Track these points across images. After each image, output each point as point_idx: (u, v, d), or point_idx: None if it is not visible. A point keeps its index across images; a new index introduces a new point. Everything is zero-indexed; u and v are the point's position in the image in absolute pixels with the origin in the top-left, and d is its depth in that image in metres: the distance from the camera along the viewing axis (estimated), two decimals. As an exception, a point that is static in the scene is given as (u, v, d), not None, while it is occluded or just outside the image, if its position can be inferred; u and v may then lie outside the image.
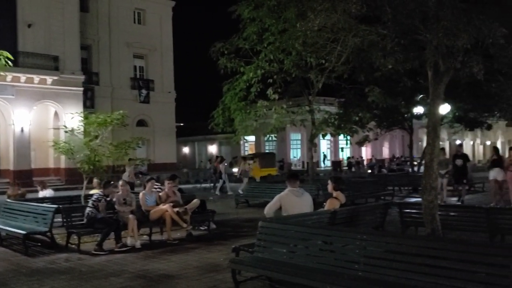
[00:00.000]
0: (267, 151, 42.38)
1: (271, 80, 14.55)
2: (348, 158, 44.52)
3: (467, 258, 4.33)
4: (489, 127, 29.65)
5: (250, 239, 7.04)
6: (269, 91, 14.37)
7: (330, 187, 7.82)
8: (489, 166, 14.63)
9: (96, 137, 11.88)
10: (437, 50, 6.59)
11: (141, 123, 37.03)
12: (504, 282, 3.99)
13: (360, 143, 27.75)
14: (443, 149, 15.87)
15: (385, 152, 49.57)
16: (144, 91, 36.85)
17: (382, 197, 15.46)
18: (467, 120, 27.45)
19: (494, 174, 14.15)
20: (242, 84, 14.27)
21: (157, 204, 9.85)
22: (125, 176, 21.03)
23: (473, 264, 4.28)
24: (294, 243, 5.83)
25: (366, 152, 47.40)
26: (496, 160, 14.46)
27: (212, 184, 24.31)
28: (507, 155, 14.35)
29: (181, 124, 44.69)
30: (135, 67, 37.41)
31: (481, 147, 59.47)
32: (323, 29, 7.23)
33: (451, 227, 8.01)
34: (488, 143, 59.09)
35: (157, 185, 11.16)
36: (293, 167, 39.21)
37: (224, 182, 21.53)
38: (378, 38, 7.05)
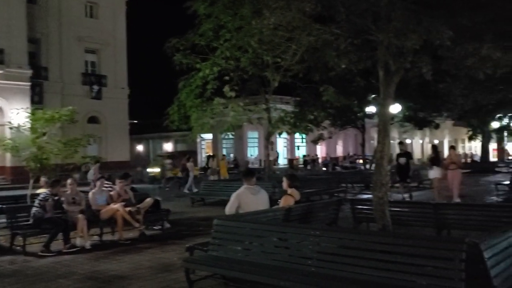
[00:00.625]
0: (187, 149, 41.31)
1: (227, 78, 14.50)
2: (304, 156, 45.15)
3: (415, 252, 4.47)
4: (437, 126, 30.90)
5: (205, 238, 6.99)
6: (226, 88, 14.32)
7: (285, 184, 7.89)
8: (429, 165, 15.01)
9: (44, 134, 11.46)
10: (388, 50, 6.77)
11: (92, 120, 36.04)
12: (449, 275, 4.15)
13: (315, 141, 28.18)
14: (401, 143, 16.34)
15: (339, 150, 50.58)
16: (96, 87, 35.87)
17: (336, 194, 15.75)
18: (417, 119, 28.49)
19: (434, 172, 14.67)
20: (198, 81, 14.13)
21: (108, 204, 9.62)
22: (90, 175, 20.53)
23: (421, 258, 4.42)
24: (249, 241, 5.84)
25: (321, 150, 48.17)
26: (435, 158, 14.92)
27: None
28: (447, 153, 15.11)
29: (135, 121, 43.83)
30: (86, 62, 36.33)
31: (429, 145, 61.77)
32: (278, 28, 7.29)
33: (401, 222, 8.26)
34: (436, 141, 61.42)
35: (108, 183, 10.90)
36: (250, 165, 39.31)
37: (191, 181, 21.46)
38: (331, 38, 7.17)
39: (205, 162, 31.27)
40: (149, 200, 10.13)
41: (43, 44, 33.46)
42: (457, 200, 13.71)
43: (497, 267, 4.27)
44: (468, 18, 6.66)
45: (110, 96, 36.48)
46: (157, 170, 27.34)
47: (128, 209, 9.43)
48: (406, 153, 15.21)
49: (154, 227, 10.57)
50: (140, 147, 54.66)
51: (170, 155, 29.16)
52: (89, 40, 35.75)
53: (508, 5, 6.79)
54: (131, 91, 38.62)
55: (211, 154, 25.84)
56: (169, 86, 17.20)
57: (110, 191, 10.15)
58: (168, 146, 52.35)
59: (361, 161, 30.14)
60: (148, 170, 27.16)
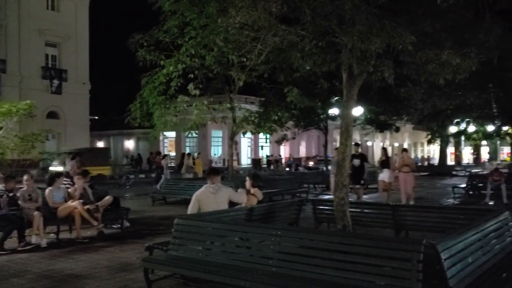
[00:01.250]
0: (100, 146, 38.79)
1: (192, 75, 14.35)
2: (267, 156, 45.34)
3: (374, 253, 4.53)
4: (397, 130, 31.67)
5: (166, 237, 6.89)
6: (190, 86, 14.15)
7: (248, 184, 7.90)
8: (379, 168, 14.73)
9: (0, 128, 11.02)
10: (351, 53, 6.85)
11: (52, 115, 35.02)
12: (406, 275, 4.22)
13: (279, 142, 28.34)
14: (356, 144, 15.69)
15: (302, 151, 51.07)
16: (56, 81, 34.86)
17: (298, 194, 15.87)
18: (378, 122, 29.10)
19: (383, 175, 14.55)
20: (162, 78, 13.90)
21: (66, 201, 9.34)
22: (67, 170, 19.87)
23: (379, 259, 4.48)
24: (210, 240, 5.78)
25: (284, 151, 48.49)
26: (385, 161, 14.73)
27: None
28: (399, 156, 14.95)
29: (96, 118, 42.80)
30: (47, 55, 35.25)
31: (389, 148, 63.24)
32: (244, 27, 7.25)
33: (361, 223, 8.39)
34: (396, 144, 63.02)
35: (66, 180, 10.61)
36: (213, 164, 39.12)
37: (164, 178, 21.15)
38: (297, 39, 7.19)
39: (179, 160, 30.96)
40: (108, 198, 9.92)
41: (1, 36, 32.25)
42: (411, 202, 13.88)
43: (453, 268, 4.37)
44: (430, 25, 6.82)
45: (71, 91, 35.55)
46: (60, 168, 23.82)
47: (86, 207, 9.19)
48: (361, 155, 14.60)
49: (113, 226, 10.36)
50: (101, 144, 53.50)
51: (75, 153, 23.24)
52: (50, 33, 34.71)
53: (467, 13, 7.00)
54: (93, 86, 37.79)
55: (186, 152, 25.65)
56: (132, 83, 16.87)
57: (68, 188, 9.87)
58: (129, 144, 51.49)
59: (325, 162, 30.39)
60: (51, 168, 23.01)
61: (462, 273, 4.48)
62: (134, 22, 66.28)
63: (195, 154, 27.41)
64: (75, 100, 35.77)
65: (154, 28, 13.94)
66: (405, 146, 64.22)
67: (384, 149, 15.60)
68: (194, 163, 24.20)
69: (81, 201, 9.21)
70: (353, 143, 17.15)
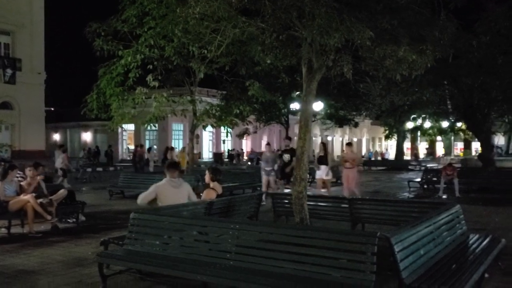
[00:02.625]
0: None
1: (151, 67, 14.07)
2: (229, 150, 45.25)
3: (330, 246, 4.58)
4: (356, 125, 32.30)
5: (123, 232, 6.75)
6: (149, 77, 13.85)
7: (207, 177, 7.83)
8: (316, 164, 13.43)
9: None
10: (311, 47, 6.89)
11: (4, 105, 33.62)
12: (361, 267, 4.29)
13: (240, 136, 28.35)
14: (323, 143, 14.64)
15: (264, 145, 51.33)
16: (9, 71, 33.45)
17: (259, 188, 15.89)
18: (338, 117, 29.56)
19: (320, 172, 13.31)
20: (120, 69, 13.54)
21: (18, 194, 9.00)
22: (58, 163, 19.30)
23: (335, 251, 4.53)
24: (168, 235, 5.70)
25: (246, 145, 48.55)
26: (323, 157, 13.37)
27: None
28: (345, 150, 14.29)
29: (52, 109, 41.44)
30: (-1, 44, 33.82)
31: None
32: (204, 18, 7.16)
33: (319, 216, 8.49)
34: (355, 139, 64.25)
35: (19, 173, 10.21)
36: (150, 158, 38.60)
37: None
38: (257, 32, 7.16)
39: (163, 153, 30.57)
40: (62, 192, 9.62)
41: (-51, 21, 30.71)
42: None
43: (406, 260, 4.47)
44: (388, 21, 6.93)
45: (25, 81, 34.22)
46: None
47: (39, 200, 8.89)
48: (292, 150, 13.39)
49: (68, 220, 10.07)
50: (57, 136, 51.98)
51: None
52: (3, 21, 33.22)
53: (423, 10, 7.15)
54: (49, 76, 36.54)
55: (170, 146, 25.62)
56: (89, 73, 16.42)
57: (21, 181, 9.51)
58: (87, 136, 50.24)
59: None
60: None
61: (415, 265, 4.59)
62: (92, 10, 64.56)
63: (180, 148, 27.43)
64: (30, 91, 34.49)
65: (112, 17, 13.57)
66: (363, 141, 65.69)
67: (323, 144, 14.31)
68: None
69: (33, 194, 8.89)
70: (284, 137, 16.26)
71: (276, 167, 13.85)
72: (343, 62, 7.34)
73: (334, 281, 4.33)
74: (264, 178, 13.90)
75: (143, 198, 6.98)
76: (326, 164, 13.27)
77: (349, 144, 14.85)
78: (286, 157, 13.51)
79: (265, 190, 13.17)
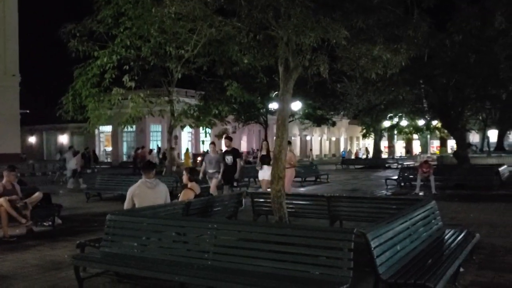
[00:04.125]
0: None
1: (127, 67, 13.94)
2: (207, 151, 45.06)
3: (308, 243, 4.59)
4: (334, 124, 32.56)
5: (100, 235, 6.64)
6: (125, 78, 13.74)
7: (185, 178, 7.80)
8: (259, 164, 12.62)
9: None
10: (287, 46, 6.91)
11: (-22, 108, 32.86)
12: (338, 264, 4.31)
13: (219, 136, 28.27)
14: (290, 142, 12.74)
15: (243, 145, 51.19)
16: (-18, 72, 32.71)
17: (239, 188, 15.87)
18: (316, 117, 29.74)
19: (263, 173, 12.38)
20: (96, 70, 13.38)
21: (-9, 198, 8.79)
22: (72, 165, 18.95)
23: (314, 249, 4.54)
24: (146, 236, 5.64)
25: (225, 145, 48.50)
26: (265, 156, 12.41)
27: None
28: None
29: (27, 111, 40.54)
30: (-29, 44, 32.99)
31: (327, 142, 64.86)
32: (180, 17, 7.12)
33: (297, 214, 8.52)
34: (334, 138, 64.78)
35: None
36: (152, 159, 38.44)
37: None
38: (234, 31, 7.16)
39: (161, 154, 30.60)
40: (38, 195, 9.43)
41: None
42: None
43: (382, 255, 4.51)
44: (363, 20, 7.00)
45: (-1, 83, 33.51)
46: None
47: (14, 203, 8.70)
48: (233, 151, 12.40)
49: (44, 223, 9.89)
50: (32, 139, 51.03)
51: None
52: (-26, 21, 32.51)
53: (397, 10, 7.25)
54: (23, 78, 35.80)
55: (172, 146, 25.85)
56: (64, 74, 16.13)
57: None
58: (63, 138, 49.45)
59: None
60: None
61: (391, 260, 4.63)
62: (67, 11, 63.57)
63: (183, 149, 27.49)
64: (4, 93, 33.72)
65: (87, 17, 13.41)
66: (341, 140, 66.23)
67: (266, 142, 13.14)
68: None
69: (7, 197, 8.69)
70: (224, 136, 13.44)
71: (221, 168, 12.11)
72: (320, 62, 7.40)
73: (313, 278, 4.34)
74: (214, 182, 12.15)
75: (126, 205, 6.90)
76: (269, 164, 11.52)
77: (288, 143, 13.24)
78: (229, 159, 12.12)
79: (212, 191, 11.70)
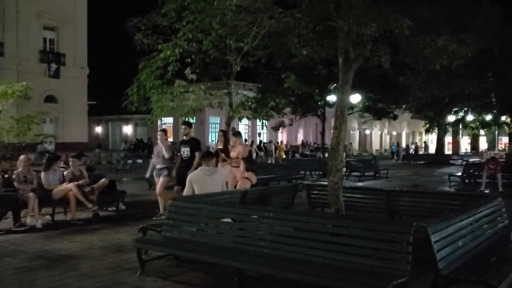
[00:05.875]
0: None
1: (189, 60, 14.30)
2: (264, 143, 45.27)
3: (366, 235, 4.54)
4: (395, 117, 31.58)
5: (161, 221, 6.91)
6: (187, 71, 14.11)
7: (242, 167, 7.92)
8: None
9: None
10: (348, 37, 6.82)
11: (50, 99, 34.90)
12: (396, 257, 4.24)
13: (276, 128, 28.31)
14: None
15: (300, 138, 51.07)
16: (54, 65, 34.69)
17: (294, 180, 15.89)
18: (376, 110, 29.03)
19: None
20: (159, 62, 13.84)
21: (61, 183, 9.35)
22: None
23: (371, 241, 4.49)
24: (204, 222, 5.80)
25: (282, 138, 48.46)
26: (223, 150, 10.10)
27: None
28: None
29: (94, 102, 42.61)
30: (45, 39, 35.01)
31: (387, 137, 63.20)
32: (241, 10, 7.21)
33: (354, 208, 8.40)
34: (395, 133, 62.98)
35: (63, 166, 10.59)
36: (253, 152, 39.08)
37: None
38: (293, 23, 7.16)
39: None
40: (104, 181, 9.91)
41: (-1, 19, 32.02)
42: None
43: (442, 250, 4.39)
44: (427, 10, 6.79)
45: (69, 75, 35.39)
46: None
47: (82, 188, 9.21)
48: (192, 140, 9.59)
49: (109, 209, 10.38)
50: (99, 129, 53.44)
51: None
52: (48, 17, 34.43)
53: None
54: (91, 71, 37.62)
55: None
56: (129, 67, 16.78)
57: (64, 171, 9.87)
58: (128, 129, 51.38)
59: (322, 149, 30.41)
60: None
61: (452, 256, 4.50)
62: (133, 5, 65.70)
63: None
64: (73, 85, 35.63)
65: (152, 11, 13.86)
66: (403, 135, 64.26)
67: (223, 132, 10.97)
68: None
69: (75, 183, 9.21)
70: (183, 121, 10.71)
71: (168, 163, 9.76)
72: (381, 53, 7.26)
73: (370, 271, 4.30)
74: (161, 180, 9.64)
75: (186, 191, 7.12)
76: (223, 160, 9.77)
77: (236, 133, 10.71)
78: (185, 151, 9.36)
79: (159, 193, 9.62)
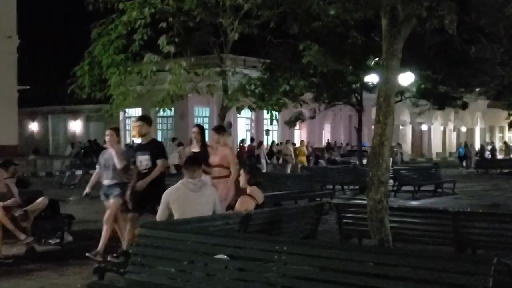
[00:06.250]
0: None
1: (165, 25, 14.30)
2: (276, 144, 45.38)
3: (426, 277, 4.54)
4: (465, 106, 31.46)
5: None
6: (162, 40, 14.10)
7: (243, 180, 7.91)
8: None
9: None
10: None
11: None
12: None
13: (291, 124, 28.25)
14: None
15: (326, 137, 51.01)
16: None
17: (318, 198, 15.90)
18: (436, 95, 28.89)
19: None
20: (121, 28, 13.78)
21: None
22: (174, 159, 20.07)
23: (434, 285, 4.50)
24: (188, 259, 5.82)
25: (300, 137, 48.52)
26: (199, 154, 9.73)
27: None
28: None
29: (27, 87, 42.76)
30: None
31: (454, 134, 62.89)
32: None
33: (406, 238, 8.41)
34: (464, 129, 62.54)
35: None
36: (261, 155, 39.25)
37: None
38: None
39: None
40: (42, 200, 9.93)
41: None
42: None
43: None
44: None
45: (-10, 47, 35.56)
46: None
47: (10, 212, 9.23)
48: (152, 144, 9.66)
49: (50, 241, 10.41)
50: (34, 126, 53.65)
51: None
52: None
53: None
54: (23, 42, 37.72)
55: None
56: (77, 36, 16.83)
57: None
58: (76, 126, 51.47)
59: (359, 153, 30.39)
60: None
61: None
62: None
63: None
64: (-3, 60, 35.76)
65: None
66: (477, 131, 64.04)
67: (198, 128, 10.67)
68: None
69: (1, 204, 9.22)
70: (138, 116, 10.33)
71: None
72: (444, 11, 7.24)
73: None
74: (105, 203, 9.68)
75: (159, 215, 7.15)
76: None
77: (219, 129, 10.90)
78: (143, 160, 9.20)
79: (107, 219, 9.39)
